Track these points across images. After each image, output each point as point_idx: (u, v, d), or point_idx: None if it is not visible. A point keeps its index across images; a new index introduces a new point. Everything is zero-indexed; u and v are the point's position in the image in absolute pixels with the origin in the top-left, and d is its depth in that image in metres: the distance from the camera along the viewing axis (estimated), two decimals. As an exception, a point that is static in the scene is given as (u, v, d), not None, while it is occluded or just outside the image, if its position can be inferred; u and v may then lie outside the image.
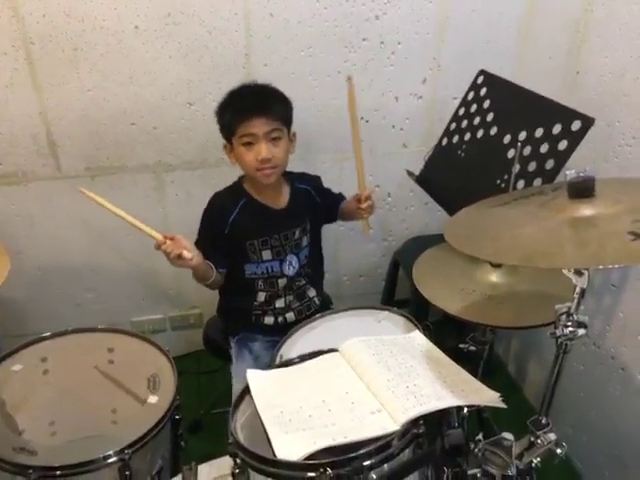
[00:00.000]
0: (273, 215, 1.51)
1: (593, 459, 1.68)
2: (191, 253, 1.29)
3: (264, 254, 1.51)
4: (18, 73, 1.63)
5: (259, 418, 0.93)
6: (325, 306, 1.69)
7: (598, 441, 1.64)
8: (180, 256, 1.28)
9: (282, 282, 1.55)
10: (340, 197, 1.68)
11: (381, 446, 0.85)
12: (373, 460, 0.84)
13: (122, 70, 1.68)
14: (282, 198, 1.53)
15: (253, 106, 1.37)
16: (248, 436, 0.94)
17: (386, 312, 1.45)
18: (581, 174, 0.90)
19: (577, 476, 1.73)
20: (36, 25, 1.58)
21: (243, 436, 0.93)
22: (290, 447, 0.84)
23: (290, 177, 1.55)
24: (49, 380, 1.36)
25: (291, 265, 1.55)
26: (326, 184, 1.67)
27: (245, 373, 1.46)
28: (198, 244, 1.43)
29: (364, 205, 1.51)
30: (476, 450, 0.99)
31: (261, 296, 1.56)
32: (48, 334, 1.39)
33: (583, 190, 0.89)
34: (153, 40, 1.66)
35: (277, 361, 1.25)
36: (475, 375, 1.27)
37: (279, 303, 1.57)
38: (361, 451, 0.83)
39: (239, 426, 0.96)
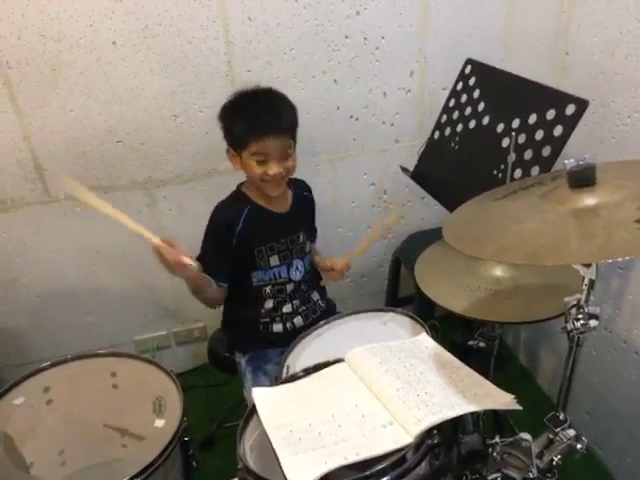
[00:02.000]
0: (278, 219, 1.49)
1: (613, 444, 1.65)
2: (192, 260, 1.23)
3: (271, 260, 1.48)
4: (-3, 99, 1.60)
5: (268, 439, 0.90)
6: (330, 310, 1.66)
7: (617, 426, 1.61)
8: (180, 262, 1.20)
9: (290, 287, 1.53)
10: (313, 236, 1.68)
11: (396, 461, 0.82)
12: (389, 477, 0.81)
13: (103, 88, 1.65)
14: (285, 202, 1.51)
15: (268, 124, 1.34)
16: (257, 458, 0.91)
17: (391, 313, 1.42)
18: (580, 162, 0.86)
19: (598, 462, 1.70)
20: (11, 49, 1.54)
21: (252, 459, 0.90)
22: (301, 469, 0.81)
23: (292, 183, 1.53)
24: (54, 410, 1.34)
25: (297, 270, 1.53)
26: (320, 185, 1.65)
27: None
28: (201, 258, 1.39)
29: (338, 276, 1.57)
30: (494, 454, 0.96)
31: (269, 303, 1.53)
32: (48, 363, 1.36)
33: (584, 179, 0.86)
34: (132, 55, 1.63)
35: (284, 373, 1.23)
36: (487, 371, 1.25)
37: (286, 308, 1.55)
38: (375, 468, 0.80)
39: (248, 448, 0.94)
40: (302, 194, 1.57)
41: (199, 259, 1.35)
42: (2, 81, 1.58)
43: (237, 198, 1.49)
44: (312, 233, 1.66)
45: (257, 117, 1.35)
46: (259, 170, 1.37)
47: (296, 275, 1.53)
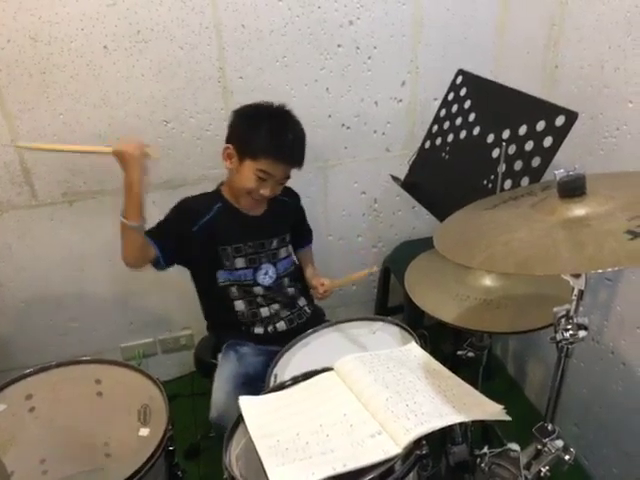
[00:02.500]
0: (248, 222, 1.49)
1: (600, 456, 1.65)
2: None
3: (237, 261, 1.48)
4: (-14, 101, 1.58)
5: (254, 449, 0.89)
6: (317, 316, 1.65)
7: (604, 437, 1.61)
8: (140, 147, 1.24)
9: (258, 291, 1.52)
10: (307, 238, 1.73)
11: (384, 472, 0.81)
12: (376, 487, 0.80)
13: (94, 92, 1.64)
14: (259, 207, 1.51)
15: (288, 153, 1.41)
16: (244, 468, 0.89)
17: (380, 322, 1.42)
18: (570, 172, 0.87)
19: (585, 474, 1.70)
20: (1, 51, 1.53)
21: (239, 469, 0.89)
22: (288, 480, 0.80)
23: None
24: (36, 417, 1.31)
25: (267, 275, 1.52)
26: (311, 195, 1.65)
27: (227, 370, 1.45)
28: (157, 224, 1.43)
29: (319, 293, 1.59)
30: (482, 465, 0.95)
31: (239, 305, 1.52)
32: (31, 370, 1.33)
33: (574, 189, 0.86)
34: (124, 59, 1.62)
35: (272, 380, 1.22)
36: (476, 381, 1.24)
37: (264, 312, 1.54)
38: (364, 479, 0.79)
39: (234, 458, 0.92)
40: (280, 199, 1.55)
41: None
42: (-9, 83, 1.56)
43: (212, 194, 1.51)
44: (297, 238, 1.65)
45: (282, 142, 1.40)
46: (254, 185, 1.40)
47: (264, 280, 1.52)
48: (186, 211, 1.46)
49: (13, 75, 1.56)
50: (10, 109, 1.60)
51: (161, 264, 1.42)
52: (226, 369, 1.46)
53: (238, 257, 1.48)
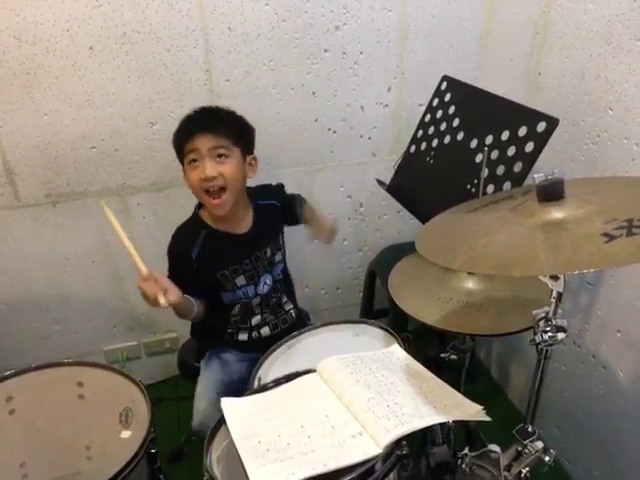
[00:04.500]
0: (238, 241, 1.45)
1: (581, 458, 1.67)
2: (166, 299, 1.21)
3: (237, 281, 1.46)
4: (-31, 101, 1.57)
5: (235, 449, 0.89)
6: (302, 320, 1.65)
7: (586, 440, 1.63)
8: (156, 300, 1.20)
9: (256, 301, 1.52)
10: (297, 202, 1.61)
11: (364, 472, 0.81)
12: (357, 488, 0.80)
13: (79, 93, 1.63)
14: (245, 221, 1.47)
15: (198, 123, 1.36)
16: (225, 470, 0.89)
17: (363, 325, 1.42)
18: (549, 177, 0.88)
19: (566, 476, 1.71)
20: (-15, 51, 1.52)
21: (219, 471, 0.89)
22: (268, 480, 0.80)
23: (251, 195, 1.50)
24: (16, 420, 1.30)
25: (265, 284, 1.52)
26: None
27: (210, 376, 1.45)
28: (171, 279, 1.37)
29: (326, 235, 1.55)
30: (463, 466, 0.96)
31: (236, 317, 1.52)
32: (11, 372, 1.31)
33: (552, 193, 0.88)
34: (110, 61, 1.61)
35: (256, 383, 1.21)
36: (458, 384, 1.25)
37: (255, 320, 1.54)
38: (344, 479, 0.79)
39: (215, 459, 0.92)
40: (265, 204, 1.52)
41: (169, 277, 1.33)
42: (-26, 83, 1.55)
43: (194, 222, 1.46)
44: (291, 221, 1.60)
45: (189, 121, 1.38)
46: (194, 176, 1.33)
47: (263, 289, 1.51)
48: (179, 250, 1.43)
49: (-3, 75, 1.56)
50: (-6, 108, 1.59)
51: (198, 304, 1.43)
52: (209, 376, 1.46)
53: (237, 277, 1.46)
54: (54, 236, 1.80)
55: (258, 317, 1.53)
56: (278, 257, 1.54)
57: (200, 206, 1.47)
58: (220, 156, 1.33)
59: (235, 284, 1.46)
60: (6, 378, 1.31)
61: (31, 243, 1.78)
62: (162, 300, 1.20)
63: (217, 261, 1.43)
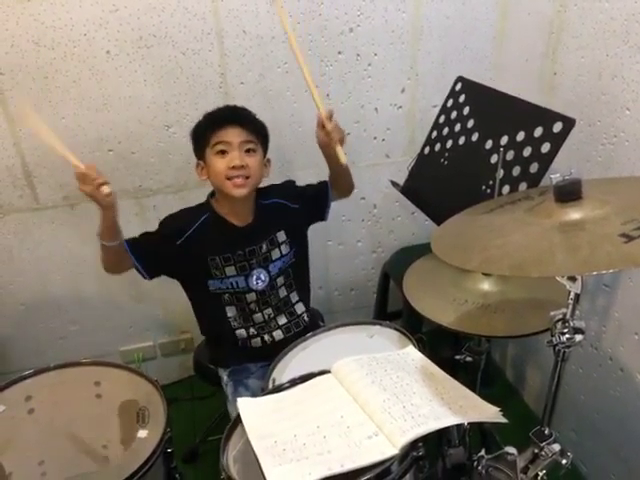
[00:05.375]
0: (236, 232, 1.47)
1: (598, 462, 1.65)
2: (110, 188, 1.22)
3: (227, 270, 1.47)
4: (-12, 105, 1.60)
5: (251, 449, 0.89)
6: (315, 322, 1.65)
7: (602, 444, 1.61)
8: (100, 186, 1.20)
9: (251, 297, 1.50)
10: (323, 184, 1.60)
11: (380, 473, 0.81)
12: (373, 488, 0.80)
13: (96, 96, 1.65)
14: (247, 216, 1.49)
15: (228, 117, 1.40)
16: (241, 470, 0.90)
17: (377, 326, 1.42)
18: (567, 177, 0.88)
19: (583, 480, 1.70)
20: (5, 56, 1.55)
21: (236, 470, 0.89)
22: (285, 480, 0.80)
23: (257, 194, 1.50)
24: (35, 419, 1.31)
25: (259, 279, 1.50)
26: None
27: None
28: (140, 236, 1.43)
29: (330, 126, 1.40)
30: (479, 468, 0.95)
31: (231, 310, 1.51)
32: (30, 372, 1.34)
33: (570, 193, 0.87)
34: (126, 64, 1.64)
35: (270, 385, 1.22)
36: (474, 386, 1.25)
37: (257, 318, 1.52)
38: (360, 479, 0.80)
39: (231, 459, 0.92)
40: (268, 203, 1.52)
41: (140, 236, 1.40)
42: (-6, 87, 1.58)
43: (200, 206, 1.50)
44: (295, 236, 1.56)
45: (218, 113, 1.42)
46: (221, 165, 1.36)
47: (258, 284, 1.50)
48: (168, 227, 1.45)
49: (16, 79, 1.58)
50: (13, 113, 1.62)
51: (143, 274, 1.43)
52: None
53: (228, 266, 1.46)
54: (71, 238, 1.82)
55: (259, 315, 1.52)
56: (275, 254, 1.51)
57: (212, 195, 1.50)
58: (248, 151, 1.39)
59: (224, 272, 1.46)
60: (25, 377, 1.33)
61: (49, 245, 1.81)
62: (107, 188, 1.21)
63: (210, 245, 1.44)
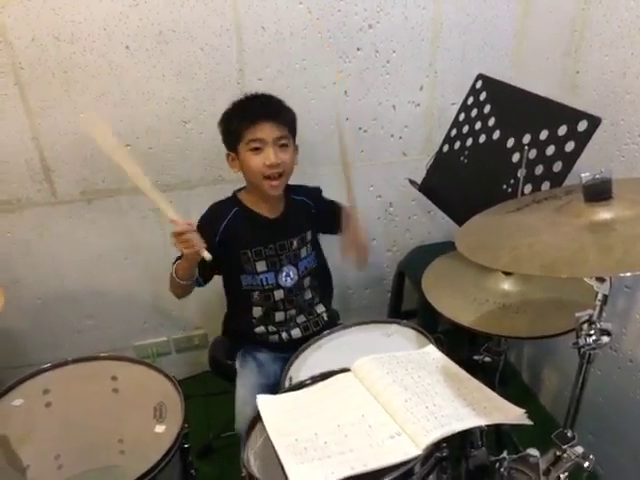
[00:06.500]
0: (267, 224, 1.48)
1: (616, 465, 1.63)
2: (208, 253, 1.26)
3: (258, 265, 1.47)
4: (8, 99, 1.60)
5: (272, 447, 0.89)
6: (333, 321, 1.64)
7: (621, 447, 1.59)
8: (197, 252, 1.25)
9: (279, 294, 1.51)
10: (335, 207, 1.59)
11: (404, 473, 0.80)
12: (396, 488, 0.80)
13: (114, 91, 1.65)
14: (277, 208, 1.50)
15: (262, 111, 1.39)
16: (262, 467, 0.89)
17: (394, 325, 1.41)
18: (597, 176, 0.86)
19: (600, 484, 1.68)
20: (25, 49, 1.55)
21: (257, 467, 0.89)
22: (308, 478, 0.80)
23: (287, 188, 1.51)
24: (53, 412, 1.32)
25: (288, 276, 1.51)
26: (327, 196, 1.63)
27: (249, 379, 1.45)
28: None
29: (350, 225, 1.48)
30: (502, 469, 0.94)
31: (258, 311, 1.52)
32: (48, 365, 1.34)
33: (600, 193, 0.86)
34: (145, 60, 1.63)
35: (287, 383, 1.21)
36: (492, 387, 1.23)
37: (279, 317, 1.53)
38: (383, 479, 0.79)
39: (252, 456, 0.92)
40: (298, 199, 1.54)
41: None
42: (14, 81, 1.58)
43: (230, 199, 1.51)
44: (315, 237, 1.60)
45: (250, 107, 1.41)
46: (257, 162, 1.37)
47: (286, 281, 1.51)
48: (207, 224, 1.45)
49: (36, 74, 1.58)
50: (32, 107, 1.62)
51: (200, 284, 1.47)
52: (248, 379, 1.46)
53: (259, 261, 1.47)
54: (88, 232, 1.83)
55: (282, 314, 1.53)
56: (304, 252, 1.53)
57: (239, 190, 1.51)
58: (282, 146, 1.39)
59: (255, 268, 1.47)
60: (43, 371, 1.34)
61: (66, 239, 1.82)
62: (206, 253, 1.25)
63: (242, 238, 1.46)
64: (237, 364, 1.53)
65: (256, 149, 1.37)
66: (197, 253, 1.26)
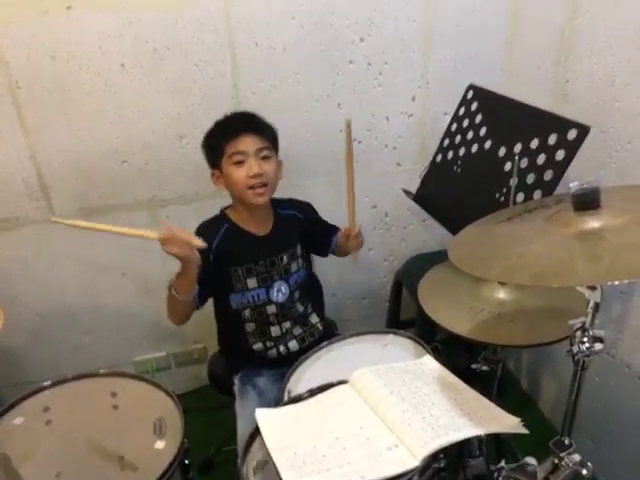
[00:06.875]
0: (257, 241, 1.48)
1: (616, 472, 1.63)
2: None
3: (249, 282, 1.47)
4: (5, 118, 1.61)
5: (271, 461, 0.89)
6: (329, 331, 1.65)
7: (620, 452, 1.59)
8: (188, 241, 1.20)
9: (271, 309, 1.51)
10: (334, 229, 1.64)
11: (402, 484, 0.81)
12: (394, 500, 0.80)
13: (110, 108, 1.67)
14: (266, 225, 1.50)
15: (242, 125, 1.39)
16: (261, 481, 0.90)
17: (391, 335, 1.41)
18: (585, 185, 0.87)
19: (600, 491, 1.68)
20: (21, 69, 1.57)
21: (256, 482, 0.89)
22: (306, 492, 0.80)
23: (274, 204, 1.52)
24: (53, 430, 1.32)
25: (280, 292, 1.51)
26: (322, 209, 1.65)
27: (250, 411, 1.41)
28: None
29: (354, 242, 1.54)
30: (500, 478, 0.95)
31: (250, 326, 1.51)
32: (48, 383, 1.34)
33: (588, 202, 0.87)
34: (140, 77, 1.65)
35: (285, 397, 1.21)
36: (490, 396, 1.24)
37: (275, 331, 1.53)
38: (381, 491, 0.79)
39: (251, 471, 0.92)
40: (286, 214, 1.54)
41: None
42: (10, 100, 1.60)
43: (218, 218, 1.50)
44: (318, 247, 1.63)
45: (231, 123, 1.42)
46: (240, 175, 1.37)
47: (278, 297, 1.50)
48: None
49: (32, 92, 1.60)
50: (29, 125, 1.64)
51: (197, 305, 1.44)
52: (247, 408, 1.43)
53: (250, 277, 1.47)
54: (86, 249, 1.83)
55: (277, 328, 1.53)
56: (294, 267, 1.53)
57: (226, 207, 1.51)
58: (264, 158, 1.39)
59: (246, 285, 1.47)
60: (44, 389, 1.34)
61: (64, 256, 1.83)
62: (198, 240, 1.20)
63: (233, 256, 1.45)
64: (236, 390, 1.52)
65: (239, 162, 1.37)
66: (191, 248, 1.21)
